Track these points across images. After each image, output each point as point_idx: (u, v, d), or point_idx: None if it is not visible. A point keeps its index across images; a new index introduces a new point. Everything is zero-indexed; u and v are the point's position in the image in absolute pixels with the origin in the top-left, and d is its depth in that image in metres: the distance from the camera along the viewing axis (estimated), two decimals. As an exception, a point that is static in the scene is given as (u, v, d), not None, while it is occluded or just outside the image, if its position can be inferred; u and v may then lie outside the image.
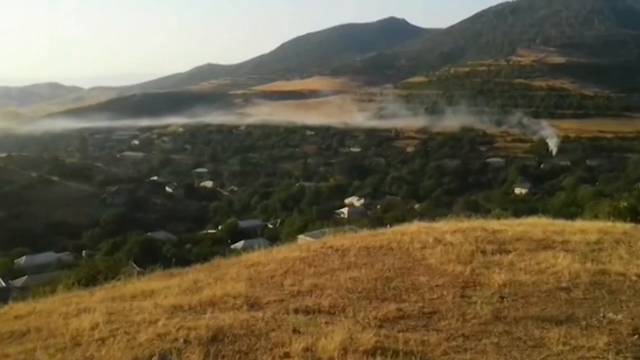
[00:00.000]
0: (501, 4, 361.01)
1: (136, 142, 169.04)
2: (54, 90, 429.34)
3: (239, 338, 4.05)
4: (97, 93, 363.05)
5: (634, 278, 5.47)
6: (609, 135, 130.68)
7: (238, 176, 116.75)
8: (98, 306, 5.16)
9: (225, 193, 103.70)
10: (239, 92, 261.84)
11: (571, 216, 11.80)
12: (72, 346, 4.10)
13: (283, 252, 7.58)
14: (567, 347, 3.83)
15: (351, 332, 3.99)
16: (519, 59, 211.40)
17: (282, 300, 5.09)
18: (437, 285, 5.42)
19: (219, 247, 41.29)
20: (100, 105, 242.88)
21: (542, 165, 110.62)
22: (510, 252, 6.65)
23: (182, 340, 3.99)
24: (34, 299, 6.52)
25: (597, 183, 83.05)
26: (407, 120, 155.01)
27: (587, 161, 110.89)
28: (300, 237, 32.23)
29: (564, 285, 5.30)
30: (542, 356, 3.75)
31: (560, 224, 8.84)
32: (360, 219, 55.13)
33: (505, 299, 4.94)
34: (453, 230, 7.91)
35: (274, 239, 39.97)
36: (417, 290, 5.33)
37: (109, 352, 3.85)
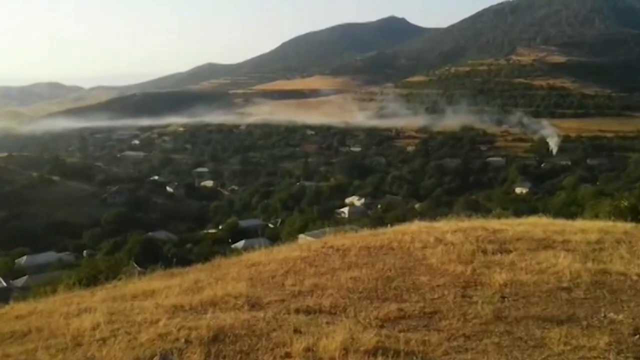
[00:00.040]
0: (501, 3, 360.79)
1: (137, 141, 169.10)
2: (55, 90, 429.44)
3: (240, 338, 4.05)
4: (98, 93, 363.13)
5: (635, 278, 5.46)
6: (609, 135, 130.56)
7: (238, 176, 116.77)
8: (99, 306, 5.17)
9: (226, 193, 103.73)
10: (240, 91, 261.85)
11: (572, 216, 11.79)
12: (74, 346, 4.10)
13: (284, 251, 7.58)
14: (568, 347, 3.83)
15: (352, 332, 3.99)
16: (519, 58, 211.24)
17: (283, 300, 5.09)
18: (438, 285, 5.42)
19: (220, 246, 41.31)
20: (100, 105, 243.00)
21: (542, 165, 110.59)
22: (511, 251, 6.65)
23: (183, 340, 3.99)
24: (35, 299, 6.52)
25: (597, 182, 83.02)
26: (408, 120, 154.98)
27: (588, 160, 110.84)
28: (301, 236, 32.26)
29: (564, 285, 5.29)
30: (543, 356, 3.75)
31: (560, 223, 8.83)
32: (361, 218, 55.15)
33: (506, 299, 4.93)
34: (454, 229, 7.91)
35: (274, 238, 40.03)
36: (418, 290, 5.33)
37: (110, 352, 3.85)
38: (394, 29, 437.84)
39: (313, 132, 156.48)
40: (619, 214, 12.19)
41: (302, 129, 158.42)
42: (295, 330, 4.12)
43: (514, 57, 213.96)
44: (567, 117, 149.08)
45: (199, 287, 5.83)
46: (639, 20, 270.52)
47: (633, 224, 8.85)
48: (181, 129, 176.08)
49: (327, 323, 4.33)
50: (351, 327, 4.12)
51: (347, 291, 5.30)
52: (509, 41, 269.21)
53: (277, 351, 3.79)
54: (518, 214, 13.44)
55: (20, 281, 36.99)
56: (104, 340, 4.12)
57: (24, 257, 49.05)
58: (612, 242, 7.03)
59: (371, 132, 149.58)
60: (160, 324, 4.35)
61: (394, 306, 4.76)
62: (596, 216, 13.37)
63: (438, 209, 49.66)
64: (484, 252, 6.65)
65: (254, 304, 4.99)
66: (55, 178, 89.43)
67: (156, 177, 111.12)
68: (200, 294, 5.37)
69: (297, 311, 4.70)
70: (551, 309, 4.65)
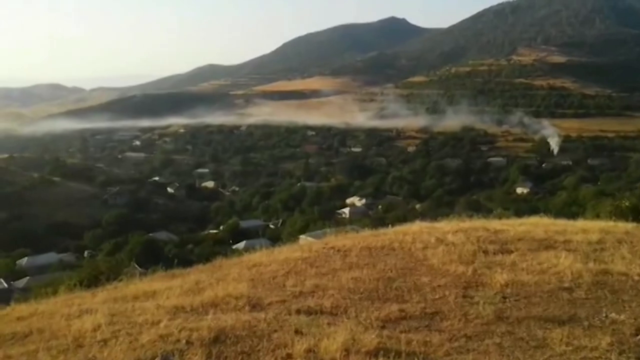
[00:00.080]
0: (501, 4, 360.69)
1: (137, 142, 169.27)
2: (55, 91, 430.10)
3: (241, 339, 4.04)
4: (98, 94, 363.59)
5: (636, 278, 5.45)
6: (610, 135, 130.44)
7: (239, 176, 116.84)
8: (100, 307, 5.17)
9: (227, 193, 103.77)
10: (240, 92, 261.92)
11: (573, 216, 11.77)
12: (75, 347, 4.10)
13: (285, 252, 7.57)
14: (570, 348, 3.83)
15: (353, 333, 3.99)
16: (519, 58, 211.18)
17: (284, 301, 5.09)
18: (439, 286, 5.42)
19: (221, 247, 41.31)
20: (101, 106, 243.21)
21: (543, 165, 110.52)
22: (512, 252, 6.64)
23: (184, 341, 3.99)
24: (36, 300, 6.52)
25: (598, 182, 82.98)
26: (408, 120, 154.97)
27: (589, 160, 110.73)
28: (302, 237, 32.18)
29: (566, 285, 5.28)
30: (545, 356, 3.74)
31: (562, 223, 8.82)
32: (362, 219, 55.13)
33: (507, 299, 4.93)
34: (455, 230, 7.90)
35: (275, 239, 39.97)
36: (419, 290, 5.32)
37: (111, 354, 3.85)
38: (395, 29, 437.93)
39: (314, 133, 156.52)
40: (620, 214, 12.18)
41: (302, 130, 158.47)
42: (297, 331, 4.11)
43: (514, 58, 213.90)
44: (568, 117, 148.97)
45: (200, 288, 5.83)
46: (639, 20, 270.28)
47: (634, 224, 8.83)
48: (182, 130, 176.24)
49: (329, 324, 4.33)
50: (352, 328, 4.11)
51: (348, 292, 5.30)
52: (509, 41, 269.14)
53: (278, 352, 3.79)
54: (519, 214, 13.42)
55: (21, 282, 37.02)
56: (105, 341, 4.12)
57: (25, 258, 49.10)
58: (614, 242, 7.02)
59: (372, 132, 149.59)
60: (162, 325, 4.35)
61: (395, 307, 4.75)
62: (597, 216, 13.36)
63: (439, 209, 49.66)
64: (485, 252, 6.64)
65: (255, 305, 4.99)
66: (56, 179, 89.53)
67: (157, 178, 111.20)
68: (201, 295, 5.37)
69: (298, 312, 4.69)
70: (553, 310, 4.64)
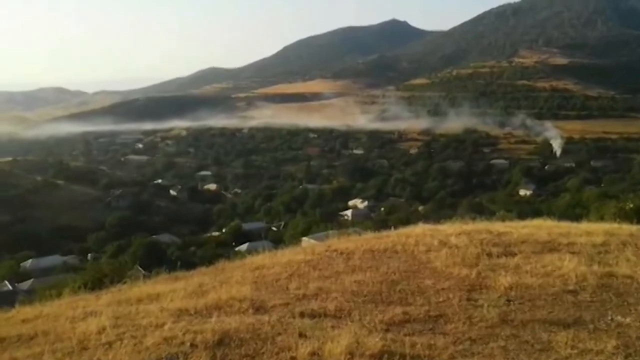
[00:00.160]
0: (503, 6, 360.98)
1: (140, 145, 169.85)
2: (59, 94, 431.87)
3: (245, 342, 4.04)
4: (101, 97, 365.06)
5: (641, 280, 5.43)
6: (613, 136, 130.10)
7: (241, 179, 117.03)
8: (104, 310, 5.18)
9: (229, 196, 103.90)
10: (242, 95, 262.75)
11: (576, 218, 11.73)
12: (80, 350, 4.11)
13: (287, 255, 7.57)
14: (575, 351, 3.81)
15: (357, 336, 3.98)
16: (521, 60, 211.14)
17: (287, 304, 5.08)
18: (442, 289, 5.40)
19: (224, 249, 41.30)
20: (104, 110, 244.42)
21: (546, 167, 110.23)
22: (515, 254, 6.62)
23: (188, 344, 3.99)
24: (41, 303, 6.53)
25: (602, 184, 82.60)
26: (410, 122, 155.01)
27: (592, 162, 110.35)
28: (304, 239, 32.13)
29: (570, 288, 5.26)
30: (550, 360, 3.73)
31: (565, 225, 8.78)
32: (364, 221, 55.06)
33: (511, 302, 4.91)
34: (458, 232, 7.88)
35: (278, 241, 39.97)
36: (423, 293, 5.31)
37: (116, 356, 3.86)
38: (396, 32, 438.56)
39: (315, 135, 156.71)
40: (624, 216, 12.13)
41: (304, 132, 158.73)
42: (300, 334, 4.11)
43: (516, 59, 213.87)
44: (571, 118, 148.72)
45: (203, 290, 5.83)
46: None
47: (639, 226, 8.79)
48: (184, 132, 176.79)
49: (332, 327, 4.32)
50: (356, 331, 4.10)
51: (352, 295, 5.29)
52: (510, 43, 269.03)
53: (282, 355, 3.79)
54: (522, 216, 13.39)
55: (26, 284, 37.14)
56: (109, 344, 4.13)
57: (29, 261, 49.30)
58: (618, 245, 6.98)
59: (373, 134, 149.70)
60: (166, 327, 4.35)
61: (399, 310, 4.74)
62: (601, 218, 13.31)
63: (442, 211, 49.57)
64: (489, 255, 6.62)
65: (259, 308, 4.99)
66: (60, 182, 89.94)
67: (160, 181, 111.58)
68: (205, 298, 5.37)
69: (302, 315, 4.69)
70: (557, 312, 4.62)
